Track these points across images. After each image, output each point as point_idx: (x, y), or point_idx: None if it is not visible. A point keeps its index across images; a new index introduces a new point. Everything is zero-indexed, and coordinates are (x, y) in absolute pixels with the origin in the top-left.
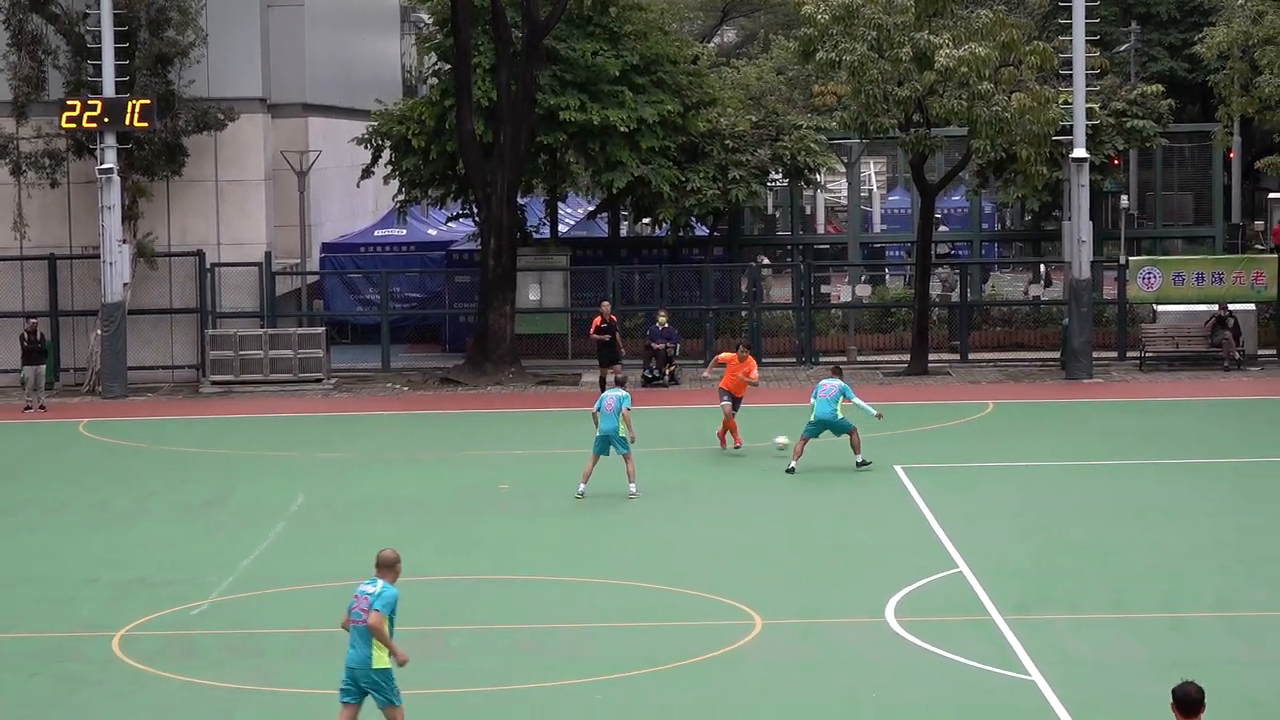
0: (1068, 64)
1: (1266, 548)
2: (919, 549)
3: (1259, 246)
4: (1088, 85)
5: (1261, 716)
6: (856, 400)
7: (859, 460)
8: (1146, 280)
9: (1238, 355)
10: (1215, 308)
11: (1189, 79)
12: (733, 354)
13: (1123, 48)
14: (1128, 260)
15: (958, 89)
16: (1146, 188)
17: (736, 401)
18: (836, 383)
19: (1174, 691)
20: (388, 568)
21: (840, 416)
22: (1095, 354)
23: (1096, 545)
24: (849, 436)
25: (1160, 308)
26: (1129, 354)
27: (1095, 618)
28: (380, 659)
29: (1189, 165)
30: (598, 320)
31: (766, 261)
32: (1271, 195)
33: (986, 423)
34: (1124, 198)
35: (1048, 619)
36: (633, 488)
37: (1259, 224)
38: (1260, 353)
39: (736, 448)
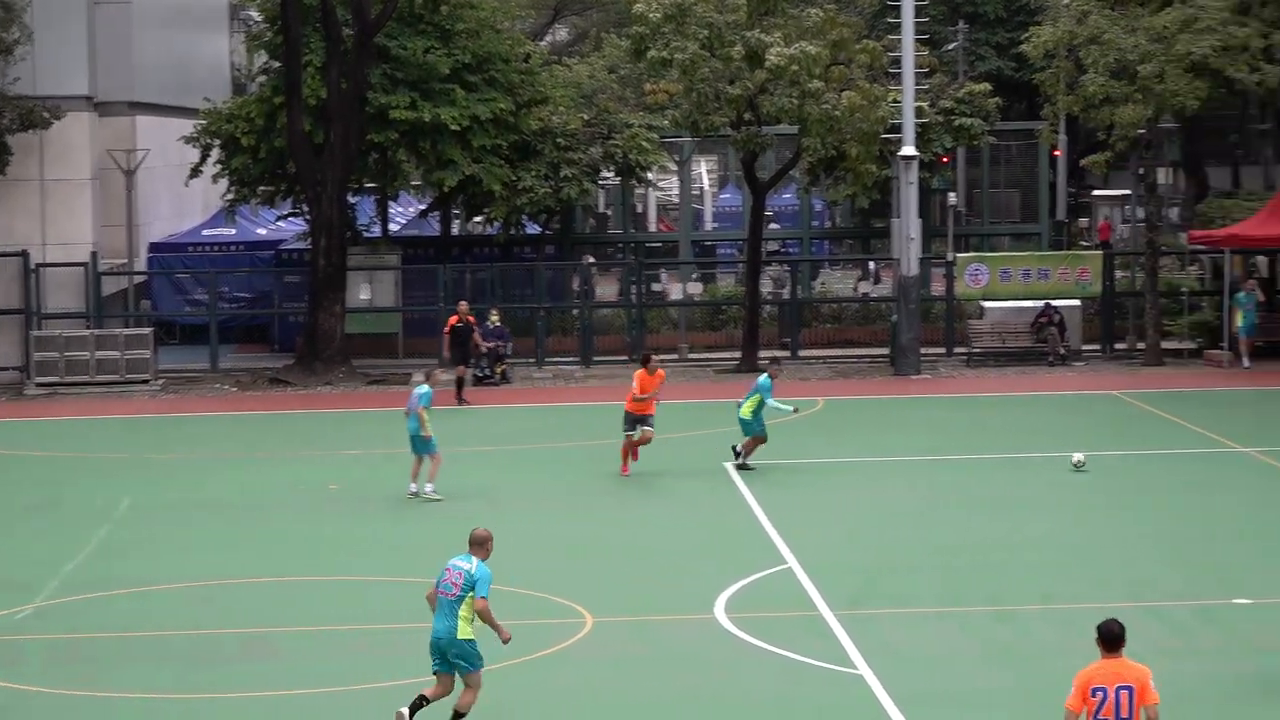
0: (897, 62)
1: (1086, 540)
2: (750, 546)
3: (1084, 243)
4: (916, 84)
5: None
6: (772, 401)
7: (738, 462)
8: (974, 277)
9: (1063, 351)
10: (1041, 304)
11: (1016, 78)
12: (641, 370)
13: (951, 46)
14: (955, 257)
15: (788, 87)
16: (974, 185)
17: (648, 418)
18: (759, 381)
19: (1098, 628)
20: (479, 545)
21: (747, 417)
22: (924, 350)
23: (925, 540)
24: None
25: (987, 304)
26: (957, 350)
27: (923, 612)
28: (464, 629)
29: (1016, 163)
30: (454, 319)
31: (592, 260)
32: (1096, 193)
33: (817, 419)
34: (952, 195)
35: (877, 614)
36: (429, 488)
37: (1084, 221)
38: (1085, 348)
39: (624, 475)
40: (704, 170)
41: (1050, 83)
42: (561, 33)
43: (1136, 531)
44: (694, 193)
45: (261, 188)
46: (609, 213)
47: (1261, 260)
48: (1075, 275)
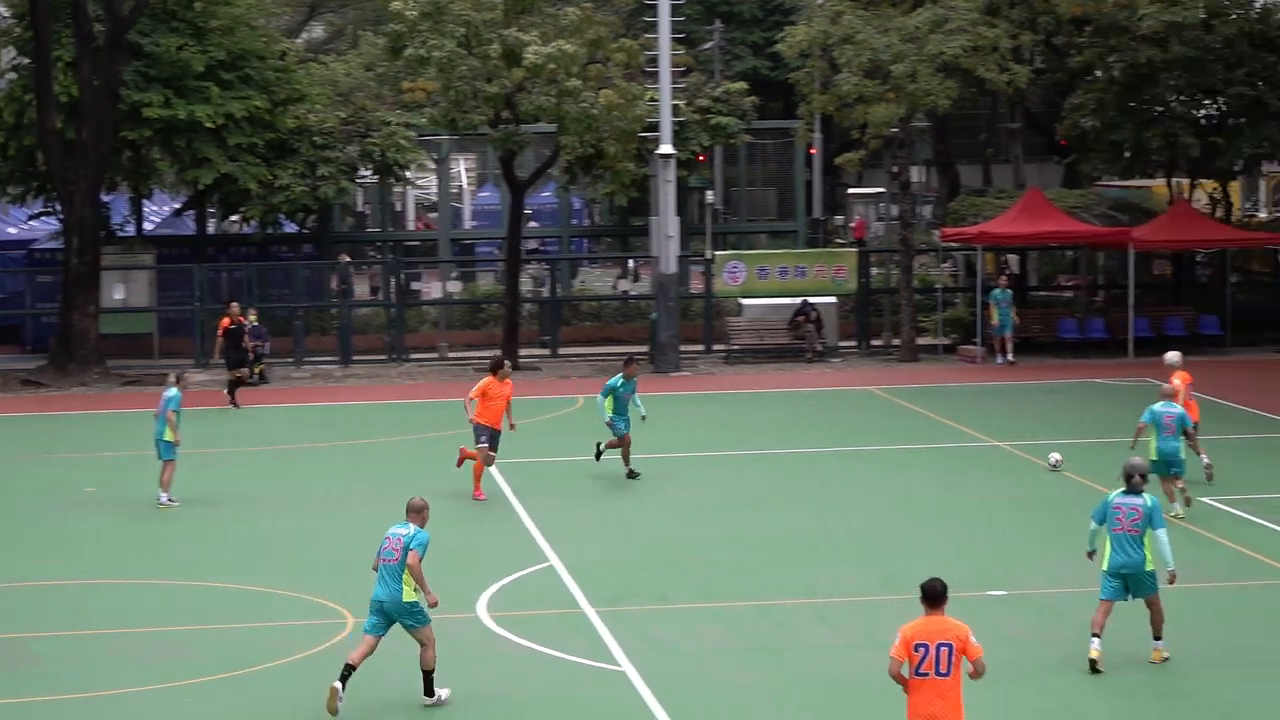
0: (653, 61)
1: (844, 534)
2: (511, 544)
3: (839, 241)
4: (673, 82)
5: (844, 696)
6: (600, 400)
7: (598, 449)
8: (732, 274)
9: (820, 347)
10: (798, 301)
11: (771, 77)
12: (489, 377)
13: (707, 46)
14: (714, 255)
15: (546, 86)
16: (731, 184)
17: (495, 436)
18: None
19: (921, 586)
20: (417, 512)
21: (608, 416)
22: (683, 347)
23: (685, 536)
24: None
25: (745, 301)
26: (716, 347)
27: (684, 608)
28: (408, 593)
29: (772, 161)
30: (226, 321)
31: (348, 259)
32: (851, 191)
33: (576, 417)
34: (710, 193)
35: (638, 610)
36: (164, 497)
37: (840, 219)
38: (841, 344)
39: (479, 499)
40: (462, 169)
41: (805, 82)
42: (318, 30)
43: (893, 525)
44: (453, 191)
45: (12, 187)
46: (367, 211)
47: (1013, 258)
48: (831, 272)
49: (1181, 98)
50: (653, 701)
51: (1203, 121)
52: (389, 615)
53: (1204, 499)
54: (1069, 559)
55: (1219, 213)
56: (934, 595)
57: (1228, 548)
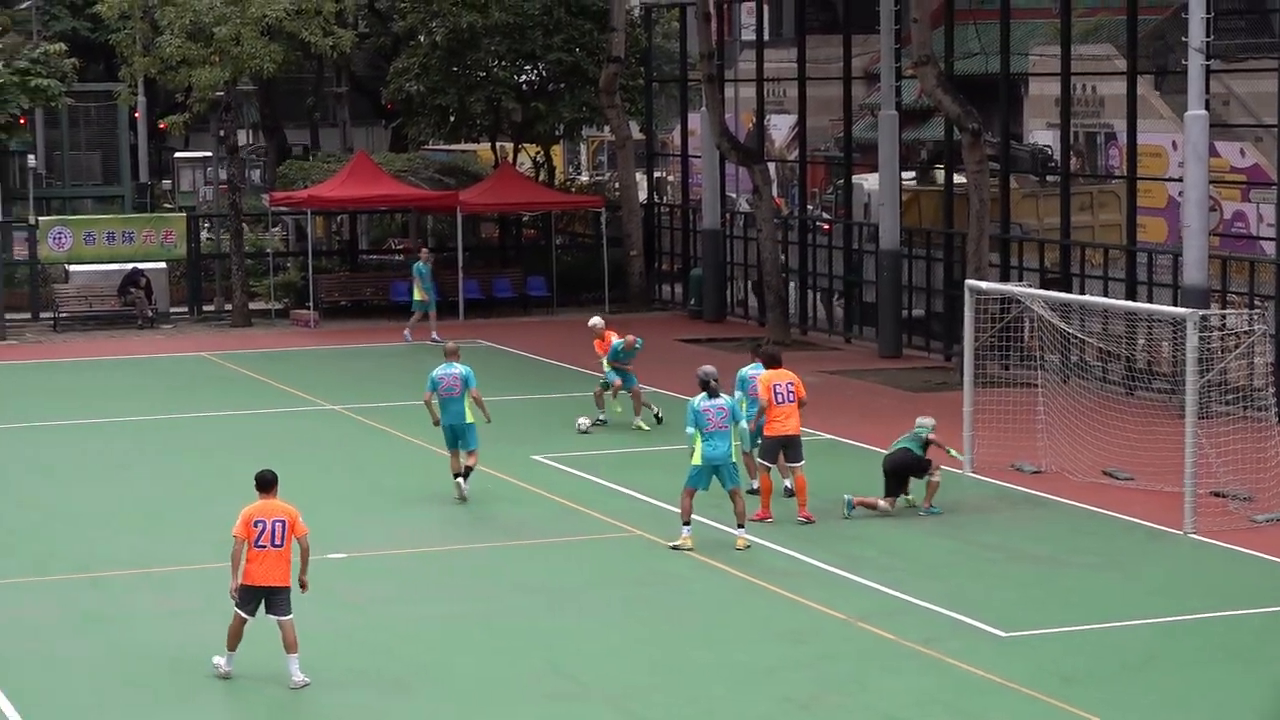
0: None
1: (179, 502)
2: None
3: (168, 205)
4: None
5: (183, 663)
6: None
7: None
8: (57, 240)
9: (151, 314)
10: (129, 267)
11: (93, 39)
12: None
13: (24, 5)
14: (38, 220)
15: None
16: (54, 147)
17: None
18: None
19: (255, 476)
20: (455, 354)
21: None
22: (9, 315)
23: (16, 509)
24: None
25: (73, 268)
26: (43, 315)
27: (16, 581)
28: (469, 415)
29: (96, 125)
30: None
31: None
32: (179, 155)
33: None
34: (31, 157)
35: None
36: None
37: (167, 183)
38: (173, 310)
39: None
40: None
41: (126, 44)
42: None
43: (229, 491)
44: None
45: None
46: None
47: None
48: (161, 238)
49: (503, 63)
50: None
51: (524, 87)
52: (457, 432)
53: (536, 456)
54: (413, 521)
55: (543, 176)
56: (266, 482)
57: (560, 504)
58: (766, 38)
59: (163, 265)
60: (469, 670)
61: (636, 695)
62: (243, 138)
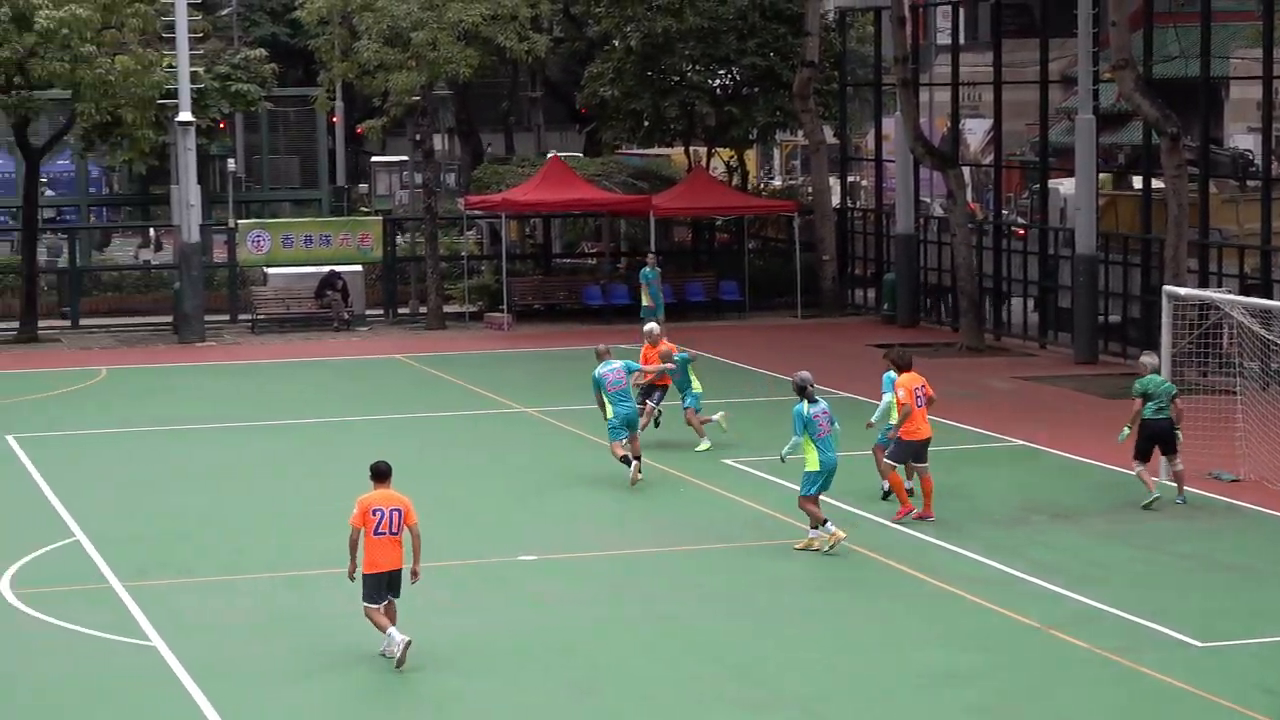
0: (171, 27)
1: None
2: (34, 519)
3: (364, 209)
4: (191, 48)
5: (373, 664)
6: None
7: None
8: (256, 243)
9: (347, 316)
10: (325, 270)
11: (292, 44)
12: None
13: (225, 11)
14: (237, 223)
15: (59, 51)
16: (253, 151)
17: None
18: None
19: (371, 466)
20: (607, 352)
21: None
22: (208, 317)
23: (209, 508)
24: None
25: (271, 270)
26: (241, 317)
27: (210, 580)
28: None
29: (294, 129)
30: None
31: None
32: (375, 159)
33: (99, 389)
34: (231, 161)
35: (165, 584)
36: None
37: (364, 186)
38: (369, 313)
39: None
40: None
41: (325, 49)
42: None
43: (425, 491)
44: None
45: None
46: None
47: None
48: (357, 241)
49: (697, 68)
50: (184, 675)
51: (718, 91)
52: (629, 422)
53: (726, 460)
54: (599, 523)
55: (735, 180)
56: (381, 473)
57: (748, 507)
58: (962, 41)
59: (359, 268)
60: (652, 673)
61: (823, 701)
62: (439, 142)
